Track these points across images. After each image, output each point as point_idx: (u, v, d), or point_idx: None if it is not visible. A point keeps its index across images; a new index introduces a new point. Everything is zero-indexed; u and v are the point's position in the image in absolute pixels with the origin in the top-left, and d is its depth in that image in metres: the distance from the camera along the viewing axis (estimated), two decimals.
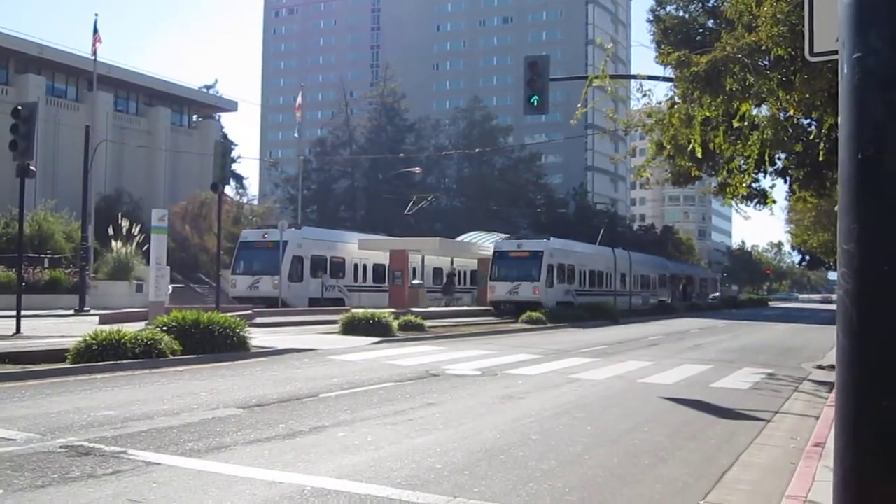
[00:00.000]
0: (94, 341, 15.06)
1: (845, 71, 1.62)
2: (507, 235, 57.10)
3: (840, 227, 1.64)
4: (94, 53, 49.09)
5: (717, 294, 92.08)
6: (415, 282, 46.49)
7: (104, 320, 24.20)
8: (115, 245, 43.76)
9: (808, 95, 13.06)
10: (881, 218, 1.55)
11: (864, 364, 1.58)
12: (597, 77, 16.01)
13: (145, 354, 15.51)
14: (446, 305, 46.41)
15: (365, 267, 47.62)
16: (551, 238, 48.83)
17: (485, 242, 56.06)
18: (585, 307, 40.48)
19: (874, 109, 1.56)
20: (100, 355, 14.85)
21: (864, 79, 1.57)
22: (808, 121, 16.93)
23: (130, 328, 16.85)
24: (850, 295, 1.59)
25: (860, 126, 1.59)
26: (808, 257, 72.85)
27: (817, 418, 11.13)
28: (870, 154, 1.56)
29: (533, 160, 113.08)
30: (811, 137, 16.84)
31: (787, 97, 13.36)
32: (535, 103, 20.41)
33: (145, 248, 35.13)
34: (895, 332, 1.53)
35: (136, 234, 42.92)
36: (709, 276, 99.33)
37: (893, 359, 1.53)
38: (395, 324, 25.42)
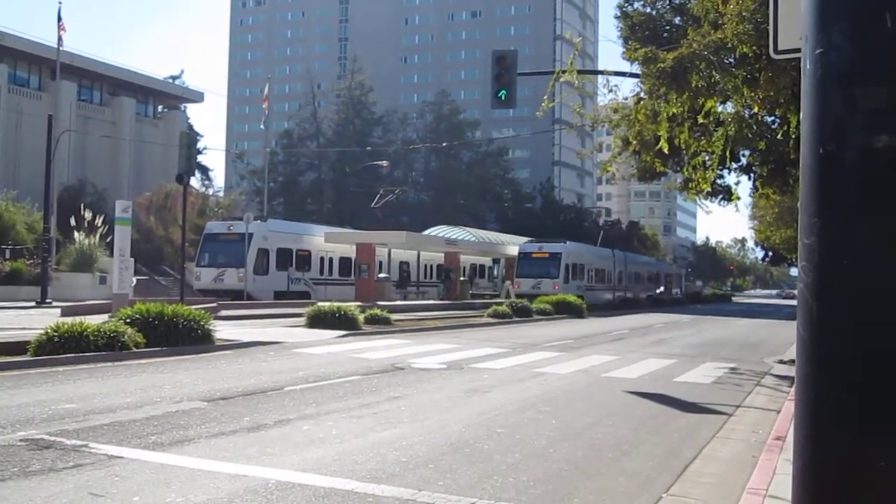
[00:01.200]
0: (55, 333, 14.86)
1: (808, 67, 1.64)
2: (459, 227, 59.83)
3: (801, 222, 1.65)
4: (59, 41, 48.46)
5: (668, 288, 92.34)
6: (381, 275, 46.42)
7: (66, 312, 23.89)
8: (78, 236, 43.29)
9: (772, 93, 13.19)
10: (841, 212, 1.57)
11: (823, 357, 1.60)
12: (564, 71, 16.05)
13: (108, 347, 15.33)
14: (402, 299, 46.58)
15: (331, 260, 47.47)
16: (567, 242, 56.20)
17: (451, 236, 56.16)
18: (552, 302, 40.64)
19: (835, 105, 1.58)
20: (61, 348, 14.66)
21: (826, 74, 1.59)
22: (773, 118, 17.10)
23: (93, 320, 16.67)
24: (811, 289, 1.61)
25: (822, 121, 1.61)
26: (770, 253, 73.89)
27: (778, 412, 11.27)
28: (831, 149, 1.58)
29: (500, 154, 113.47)
30: (775, 135, 17.01)
31: (752, 94, 13.49)
32: (503, 98, 20.42)
33: (109, 239, 34.74)
34: (854, 326, 1.55)
35: (99, 225, 42.48)
36: (673, 272, 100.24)
37: (853, 352, 1.55)
38: (361, 317, 25.36)
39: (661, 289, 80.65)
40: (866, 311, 1.55)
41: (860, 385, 1.56)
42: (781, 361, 19.60)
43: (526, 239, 61.56)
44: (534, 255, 53.74)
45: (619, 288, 63.36)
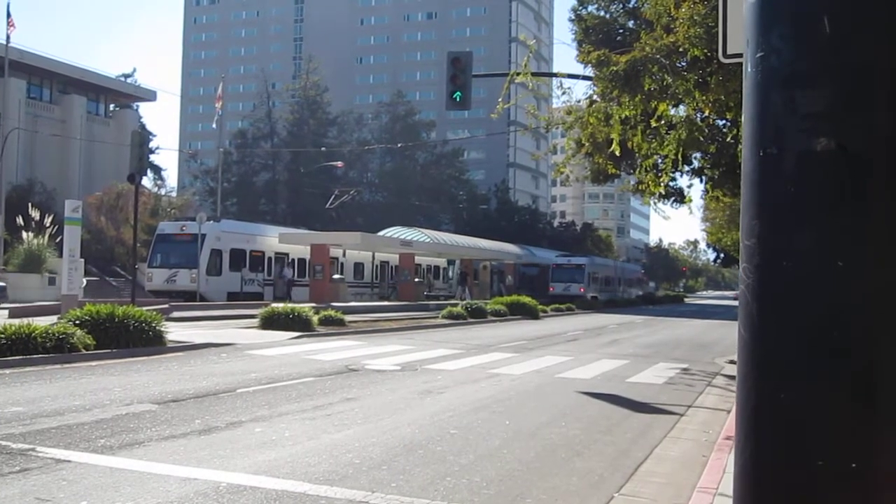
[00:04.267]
0: (2, 335, 14.61)
1: (749, 70, 1.67)
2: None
3: (742, 223, 1.68)
4: (7, 38, 47.64)
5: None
6: (336, 276, 46.24)
7: (14, 314, 23.50)
8: (27, 236, 42.52)
9: (722, 96, 13.35)
10: (780, 214, 1.59)
11: (763, 358, 1.62)
12: (518, 73, 16.11)
13: (57, 349, 15.11)
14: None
15: (293, 261, 47.23)
16: (589, 256, 77.57)
17: (407, 237, 56.13)
18: (506, 304, 40.79)
19: (775, 107, 1.60)
20: (8, 350, 14.42)
21: (767, 77, 1.62)
22: (723, 122, 17.32)
23: (42, 322, 16.41)
24: (751, 290, 1.63)
25: (762, 124, 1.63)
26: (722, 255, 75.10)
27: (728, 412, 11.41)
28: (771, 151, 1.60)
29: (455, 156, 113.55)
30: (726, 138, 17.24)
31: (703, 98, 13.64)
32: (458, 99, 20.44)
33: (58, 239, 34.20)
34: (793, 327, 1.58)
35: (48, 225, 41.77)
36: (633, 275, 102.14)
37: (790, 353, 1.58)
38: (315, 318, 25.23)
39: (640, 291, 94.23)
40: (805, 312, 1.58)
41: (798, 386, 1.58)
42: (732, 362, 19.84)
43: (484, 240, 67.66)
44: (565, 266, 70.30)
45: (618, 290, 79.42)
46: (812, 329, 1.57)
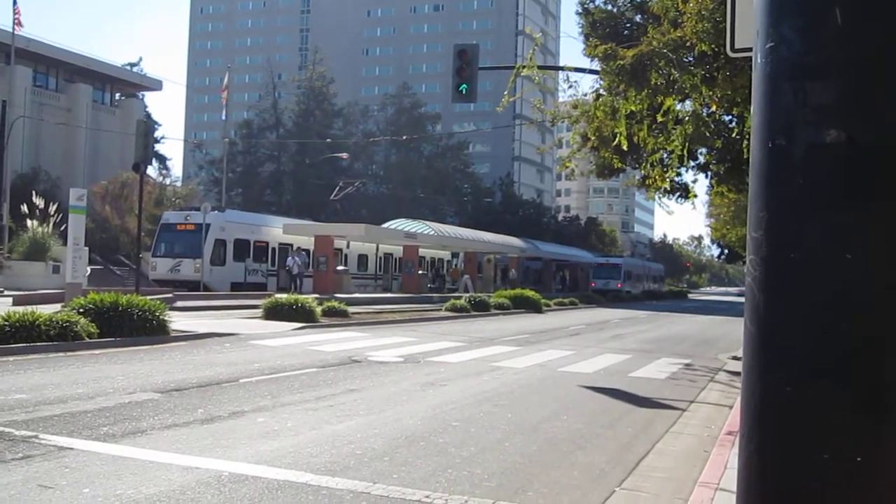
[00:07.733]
0: (6, 323, 14.62)
1: (759, 60, 1.65)
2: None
3: (750, 216, 1.67)
4: (14, 25, 47.61)
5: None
6: (340, 268, 46.23)
7: (18, 301, 23.53)
8: (31, 224, 42.53)
9: (729, 92, 13.30)
10: (788, 206, 1.58)
11: (769, 350, 1.61)
12: (524, 66, 16.07)
13: (60, 337, 15.12)
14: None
15: (290, 251, 47.21)
16: (624, 256, 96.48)
17: (410, 230, 56.12)
18: (510, 297, 40.76)
19: (785, 99, 1.59)
20: (12, 337, 14.43)
21: (776, 68, 1.61)
22: (730, 117, 17.28)
23: (45, 310, 16.43)
24: (758, 282, 1.63)
25: (772, 115, 1.62)
26: (726, 251, 74.99)
27: (731, 408, 11.41)
28: (780, 143, 1.59)
29: (460, 149, 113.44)
30: (732, 133, 17.19)
31: (710, 93, 13.60)
32: (464, 92, 20.41)
33: (63, 228, 34.17)
34: (799, 320, 1.57)
35: (52, 213, 41.77)
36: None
37: (797, 345, 1.57)
38: (318, 309, 25.22)
39: (662, 287, 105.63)
40: (812, 305, 1.57)
41: (804, 378, 1.58)
42: (735, 358, 19.84)
43: (488, 233, 68.10)
44: (604, 265, 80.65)
45: (645, 285, 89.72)
46: (819, 322, 1.56)
